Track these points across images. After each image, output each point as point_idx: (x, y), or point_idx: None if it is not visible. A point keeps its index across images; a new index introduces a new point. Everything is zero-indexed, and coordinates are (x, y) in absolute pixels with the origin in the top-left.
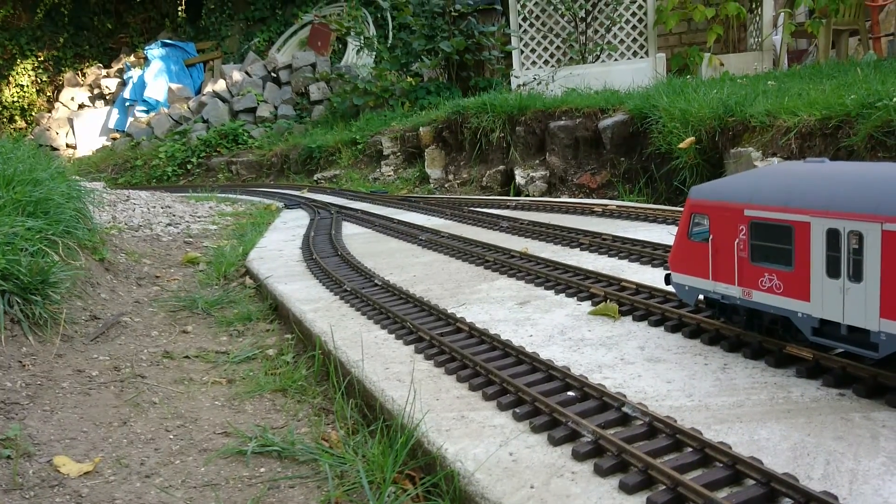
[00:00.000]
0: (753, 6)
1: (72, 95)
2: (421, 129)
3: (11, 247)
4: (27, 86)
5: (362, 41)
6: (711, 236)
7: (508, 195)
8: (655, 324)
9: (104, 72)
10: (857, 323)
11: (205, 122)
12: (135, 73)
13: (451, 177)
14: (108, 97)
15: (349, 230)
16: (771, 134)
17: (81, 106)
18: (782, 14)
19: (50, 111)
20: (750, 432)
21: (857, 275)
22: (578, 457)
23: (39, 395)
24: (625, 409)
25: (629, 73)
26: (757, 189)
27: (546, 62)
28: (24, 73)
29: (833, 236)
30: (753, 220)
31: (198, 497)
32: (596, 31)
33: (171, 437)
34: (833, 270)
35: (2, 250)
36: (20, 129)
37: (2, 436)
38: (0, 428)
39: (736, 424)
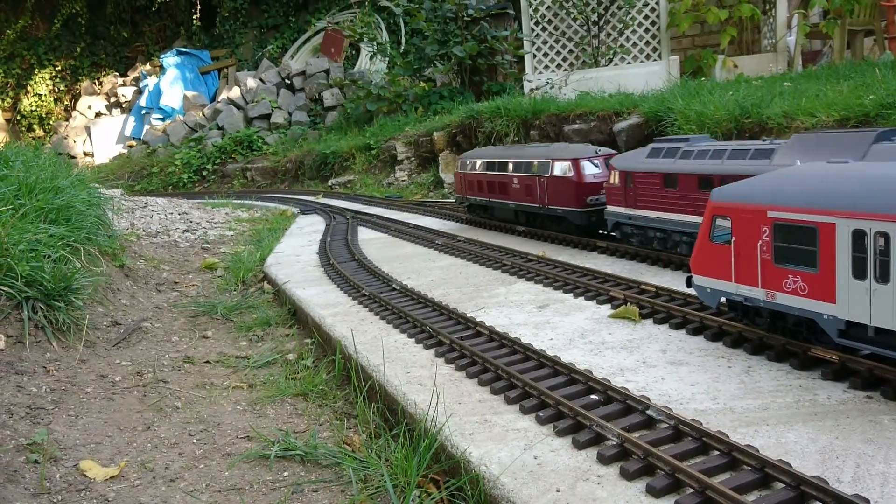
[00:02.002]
0: (767, 7)
1: (89, 104)
2: (435, 133)
3: (35, 254)
4: (45, 95)
5: (375, 47)
6: (734, 238)
7: None
8: (677, 326)
9: (120, 80)
10: (885, 324)
11: (220, 128)
12: (150, 82)
13: None
14: (124, 105)
15: (365, 235)
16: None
17: (98, 114)
18: (796, 15)
19: (67, 120)
20: (777, 435)
21: (884, 276)
22: (604, 460)
23: (64, 399)
24: (649, 412)
25: (642, 75)
26: (780, 190)
27: (559, 66)
28: (41, 82)
29: (859, 237)
30: (777, 221)
31: (223, 501)
32: (609, 35)
33: (195, 441)
34: (859, 271)
35: (26, 257)
36: (38, 137)
37: (29, 440)
38: (27, 433)
39: (762, 427)
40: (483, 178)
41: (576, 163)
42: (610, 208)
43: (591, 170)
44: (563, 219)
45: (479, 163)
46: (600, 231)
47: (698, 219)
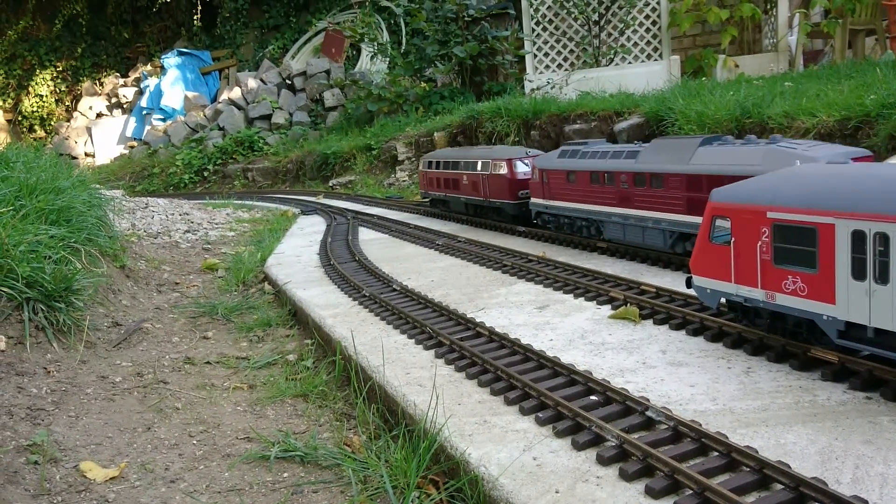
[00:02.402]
0: (768, 7)
1: (90, 105)
2: (435, 133)
3: (36, 255)
4: (46, 96)
5: (376, 47)
6: (733, 239)
7: None
8: (677, 327)
9: (121, 81)
10: (884, 325)
11: (221, 129)
12: (151, 82)
13: None
14: (125, 106)
15: (365, 235)
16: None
17: (99, 115)
18: (798, 14)
19: (68, 120)
20: (776, 436)
21: (883, 277)
22: (603, 461)
23: (65, 400)
24: (649, 413)
25: (643, 75)
26: (779, 191)
27: (560, 66)
28: (43, 83)
29: (858, 238)
30: (776, 222)
31: (222, 502)
32: (609, 35)
33: (195, 442)
34: (858, 272)
35: (27, 258)
36: (40, 138)
37: (29, 441)
38: (27, 434)
39: (762, 428)
40: (440, 175)
41: (510, 162)
42: (532, 200)
43: (522, 168)
44: (501, 209)
45: (436, 163)
46: (535, 221)
47: (591, 206)
